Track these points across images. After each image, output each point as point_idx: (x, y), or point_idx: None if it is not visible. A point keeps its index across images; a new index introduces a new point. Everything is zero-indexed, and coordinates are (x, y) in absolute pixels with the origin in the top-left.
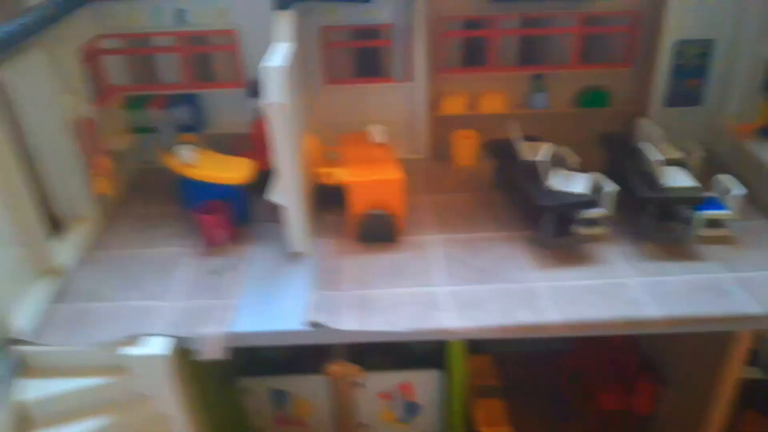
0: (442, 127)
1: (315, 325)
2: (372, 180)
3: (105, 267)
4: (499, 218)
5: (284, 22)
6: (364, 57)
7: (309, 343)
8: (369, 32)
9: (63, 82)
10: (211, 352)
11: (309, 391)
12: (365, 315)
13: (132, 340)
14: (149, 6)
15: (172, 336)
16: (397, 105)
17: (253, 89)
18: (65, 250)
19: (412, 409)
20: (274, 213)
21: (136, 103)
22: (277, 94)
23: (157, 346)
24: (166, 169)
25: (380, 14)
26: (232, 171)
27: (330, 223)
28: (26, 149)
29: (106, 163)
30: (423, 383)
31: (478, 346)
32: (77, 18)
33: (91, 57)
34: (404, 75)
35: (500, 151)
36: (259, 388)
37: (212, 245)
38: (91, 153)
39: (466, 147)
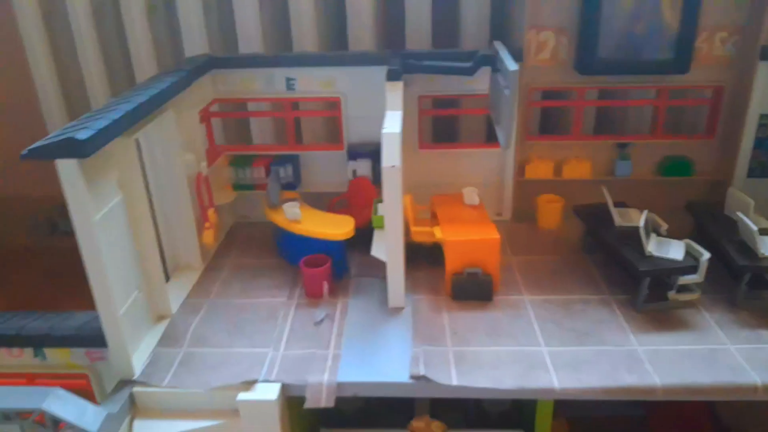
0: (526, 190)
1: (419, 378)
2: (469, 239)
3: (210, 314)
4: (590, 281)
5: (395, 92)
6: (446, 123)
7: (412, 396)
8: (455, 102)
9: (186, 141)
10: (318, 399)
11: None
12: (467, 371)
13: (242, 385)
14: (262, 74)
15: (281, 382)
16: (485, 169)
17: (353, 152)
18: (173, 297)
19: None
20: (370, 268)
21: (241, 161)
22: (394, 158)
23: (266, 391)
24: (260, 223)
25: (478, 84)
26: (334, 227)
27: (422, 279)
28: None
29: (213, 216)
30: None
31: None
32: (201, 83)
33: (206, 119)
34: (506, 142)
35: (590, 216)
36: None
37: (313, 297)
38: (203, 207)
39: (550, 210)
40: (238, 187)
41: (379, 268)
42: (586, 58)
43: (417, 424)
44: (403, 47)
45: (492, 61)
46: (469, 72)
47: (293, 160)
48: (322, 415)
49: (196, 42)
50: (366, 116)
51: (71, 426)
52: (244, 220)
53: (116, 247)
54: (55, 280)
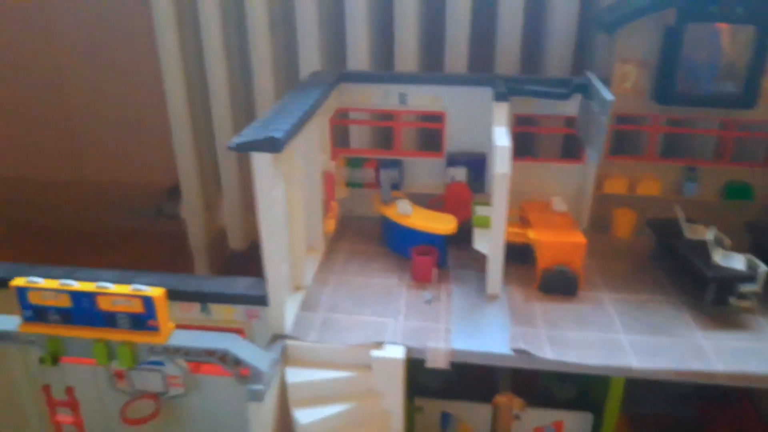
0: (602, 203)
1: (521, 351)
2: (560, 241)
3: (337, 287)
4: (660, 285)
5: (502, 111)
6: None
7: (513, 366)
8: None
9: (321, 143)
10: (437, 361)
11: (473, 417)
12: (558, 349)
13: (374, 344)
14: (380, 89)
15: (406, 345)
16: (566, 181)
17: (451, 160)
18: (307, 271)
19: None
20: (466, 262)
21: (354, 163)
22: (505, 167)
23: (394, 351)
24: (366, 217)
25: (565, 108)
26: (440, 223)
27: (512, 274)
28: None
29: (335, 207)
30: (574, 423)
31: None
32: (332, 95)
33: (332, 125)
34: (597, 159)
35: (662, 228)
36: (431, 408)
37: (421, 281)
38: (328, 199)
39: (625, 222)
40: (350, 184)
41: (474, 263)
42: (663, 89)
43: (500, 398)
44: (491, 70)
45: (585, 89)
46: (565, 97)
47: (398, 164)
48: (412, 388)
49: (312, 57)
50: (465, 129)
51: (247, 365)
52: (351, 213)
53: (280, 225)
54: (154, 258)
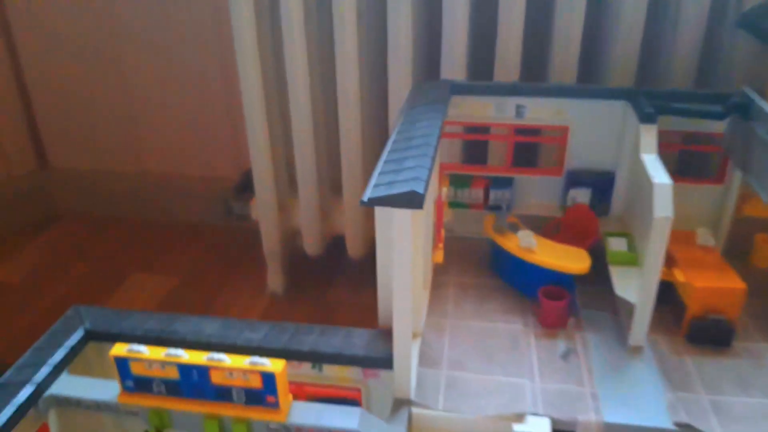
0: (740, 227)
1: (684, 426)
2: (716, 287)
3: (456, 336)
4: None
5: (650, 135)
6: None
7: None
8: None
9: (435, 168)
10: None
11: None
12: (725, 421)
13: (514, 416)
14: (494, 101)
15: (550, 417)
16: (700, 203)
17: (573, 179)
18: (422, 314)
19: None
20: (594, 300)
21: (459, 181)
22: (668, 209)
23: (539, 426)
24: (467, 239)
25: (713, 126)
26: (571, 261)
27: (655, 318)
28: None
29: (442, 235)
30: None
31: None
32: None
33: None
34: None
35: None
36: None
37: (550, 327)
38: (438, 227)
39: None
40: (454, 205)
41: (603, 300)
42: None
43: None
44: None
45: (745, 108)
46: (721, 117)
47: (509, 183)
48: None
49: (401, 59)
50: (590, 145)
51: None
52: (450, 234)
53: (411, 284)
54: (222, 257)
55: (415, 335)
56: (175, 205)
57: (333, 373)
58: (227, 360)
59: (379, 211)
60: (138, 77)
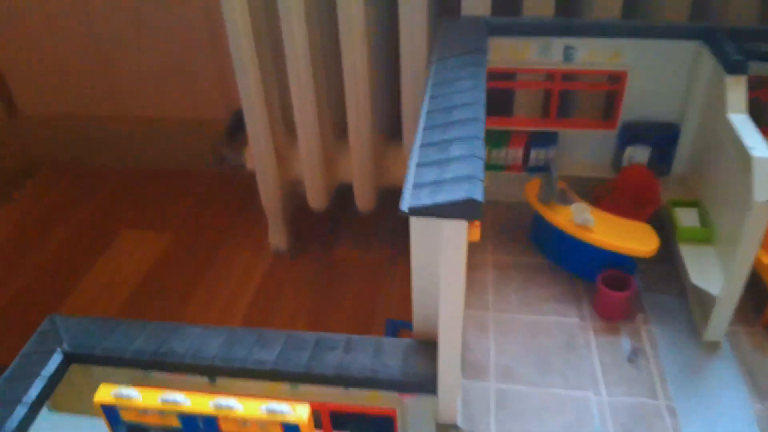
0: None
1: None
2: None
3: (501, 335)
4: None
5: (739, 90)
6: None
7: None
8: None
9: None
10: None
11: None
12: None
13: None
14: (538, 42)
15: None
16: None
17: (629, 134)
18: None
19: None
20: (657, 280)
21: (494, 139)
22: None
23: None
24: (501, 203)
25: None
26: (637, 242)
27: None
28: None
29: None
30: None
31: None
32: None
33: None
34: None
35: None
36: None
37: (610, 320)
38: None
39: None
40: (489, 167)
41: (670, 283)
42: None
43: None
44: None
45: None
46: None
47: (554, 140)
48: None
49: None
50: (652, 94)
51: None
52: (486, 205)
53: (461, 301)
54: (218, 209)
55: None
56: (160, 151)
57: (363, 391)
58: (239, 407)
59: (417, 224)
60: (109, 13)
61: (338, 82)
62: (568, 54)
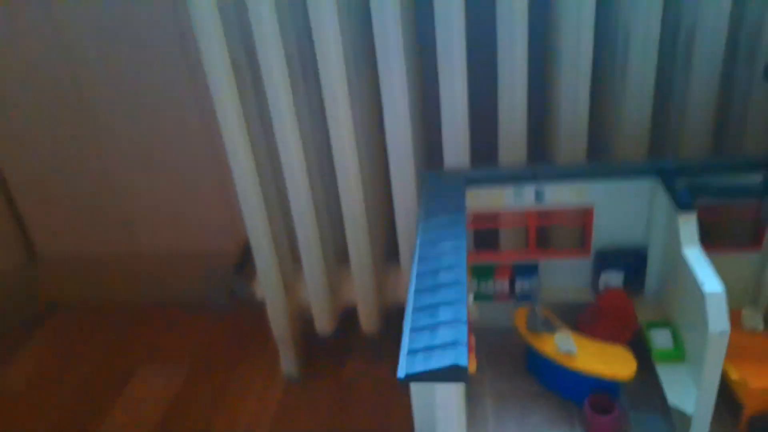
0: None
1: None
2: None
3: None
4: None
5: (692, 225)
6: None
7: None
8: None
9: None
10: None
11: None
12: None
13: None
14: (510, 189)
15: None
16: (739, 273)
17: (602, 261)
18: None
19: None
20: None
21: (481, 272)
22: (723, 322)
23: None
24: (490, 330)
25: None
26: (617, 366)
27: None
28: None
29: (472, 340)
30: None
31: None
32: None
33: None
34: None
35: None
36: None
37: None
38: (469, 332)
39: None
40: (478, 298)
41: (653, 401)
42: None
43: None
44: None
45: None
46: (764, 194)
47: (534, 271)
48: None
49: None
50: (616, 223)
51: None
52: (479, 334)
53: None
54: (230, 340)
55: None
56: (172, 284)
57: None
58: None
59: (417, 391)
60: (120, 156)
61: (338, 213)
62: (539, 196)
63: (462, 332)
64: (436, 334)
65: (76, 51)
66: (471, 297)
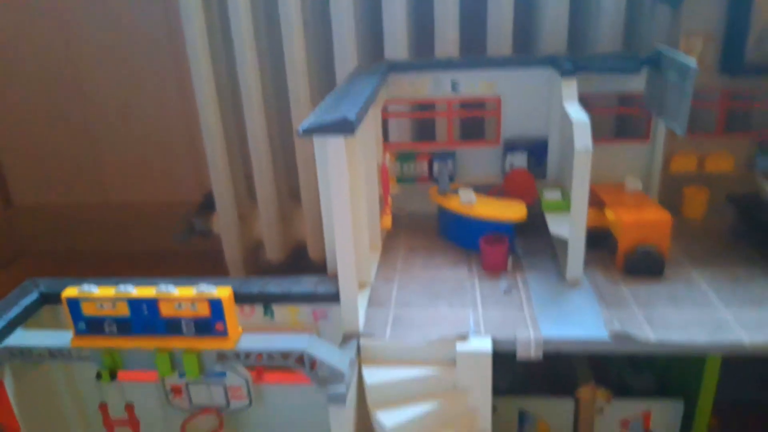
0: (670, 183)
1: (619, 334)
2: (643, 219)
3: (404, 283)
4: (748, 259)
5: (571, 87)
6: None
7: (612, 352)
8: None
9: (376, 136)
10: (527, 353)
11: (553, 413)
12: (659, 329)
13: (458, 337)
14: (430, 78)
15: (491, 337)
16: (633, 163)
17: (509, 146)
18: (370, 268)
19: None
20: (534, 251)
21: (405, 157)
22: (587, 143)
23: (480, 344)
24: (417, 214)
25: (632, 84)
26: (509, 211)
27: (591, 261)
28: None
29: (389, 203)
30: (663, 413)
31: None
32: (382, 86)
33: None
34: (684, 130)
35: (745, 203)
36: (507, 408)
37: (493, 271)
38: (385, 194)
39: (696, 201)
40: (401, 180)
41: (545, 250)
42: (731, 60)
43: (584, 390)
44: (535, 51)
45: (656, 61)
46: (636, 70)
47: (452, 156)
48: None
49: (348, 52)
50: (522, 114)
51: (325, 366)
52: (403, 211)
53: (349, 217)
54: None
55: (363, 284)
56: (141, 233)
57: (284, 318)
58: (175, 290)
59: (318, 150)
60: (97, 109)
61: (292, 154)
62: (454, 86)
63: (355, 106)
64: (335, 111)
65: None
66: (389, 158)
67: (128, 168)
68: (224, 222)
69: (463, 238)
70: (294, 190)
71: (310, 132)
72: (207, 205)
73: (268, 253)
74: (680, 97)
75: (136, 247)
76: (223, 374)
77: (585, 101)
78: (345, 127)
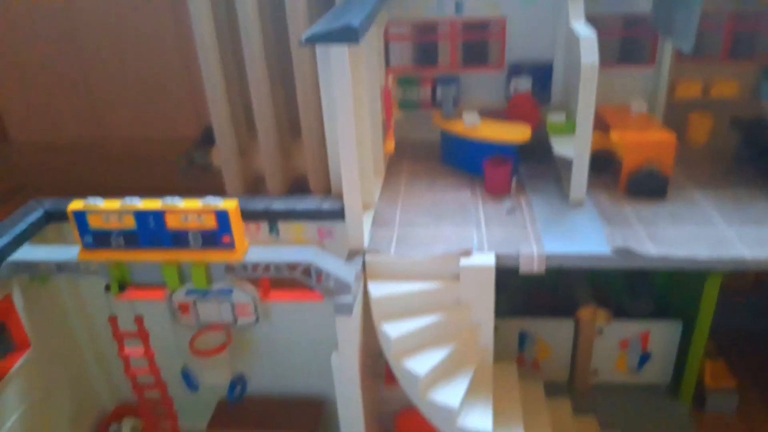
0: (674, 109)
1: (621, 250)
2: (647, 139)
3: (408, 205)
4: (751, 181)
5: (578, 4)
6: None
7: (615, 267)
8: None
9: (378, 57)
10: (530, 267)
11: (554, 334)
12: (661, 245)
13: (462, 252)
14: None
15: (495, 252)
16: (638, 88)
17: (514, 70)
18: (374, 190)
19: (644, 359)
20: (539, 174)
21: (407, 82)
22: (594, 57)
23: (483, 259)
24: (420, 140)
25: (640, 5)
26: (513, 132)
27: (595, 184)
28: None
29: (392, 125)
30: (662, 333)
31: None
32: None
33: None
34: (691, 47)
35: (750, 128)
36: (507, 328)
37: (496, 193)
38: (387, 118)
39: (701, 126)
40: (404, 105)
41: (549, 173)
42: None
43: (584, 311)
44: None
45: None
46: None
47: (456, 81)
48: None
49: None
50: (527, 37)
51: (332, 277)
52: (406, 137)
53: (354, 131)
54: None
55: (367, 206)
56: (141, 169)
57: (289, 236)
58: (181, 203)
59: (321, 62)
60: (94, 43)
61: (292, 86)
62: (458, 6)
63: (358, 15)
64: (338, 21)
65: None
66: (391, 81)
67: (125, 104)
68: (225, 154)
69: (466, 162)
70: (294, 122)
71: (312, 41)
72: (206, 139)
73: (269, 185)
74: (689, 11)
75: (139, 183)
76: (230, 291)
77: (591, 24)
78: (349, 35)
